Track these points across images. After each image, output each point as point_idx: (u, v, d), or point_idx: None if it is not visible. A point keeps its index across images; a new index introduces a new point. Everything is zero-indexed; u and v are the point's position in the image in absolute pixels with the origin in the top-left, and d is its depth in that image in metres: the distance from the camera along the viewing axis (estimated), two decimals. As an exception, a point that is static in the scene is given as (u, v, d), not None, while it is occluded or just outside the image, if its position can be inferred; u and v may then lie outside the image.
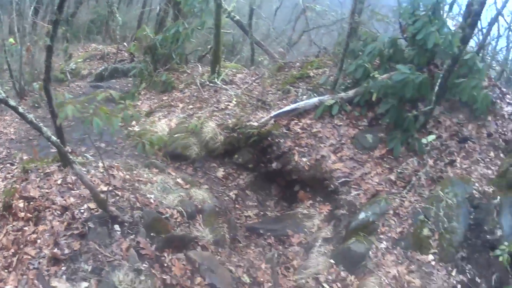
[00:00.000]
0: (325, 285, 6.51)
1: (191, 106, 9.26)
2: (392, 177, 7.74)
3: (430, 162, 7.82)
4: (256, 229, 7.43)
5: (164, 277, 5.58)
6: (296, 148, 8.00)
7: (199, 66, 11.45)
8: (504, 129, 8.56)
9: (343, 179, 7.68)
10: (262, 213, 7.84)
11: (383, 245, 6.88)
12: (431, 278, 6.56)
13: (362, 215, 7.14)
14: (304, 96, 8.79)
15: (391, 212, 7.19)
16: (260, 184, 8.17)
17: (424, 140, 7.90)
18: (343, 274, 6.65)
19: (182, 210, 6.60)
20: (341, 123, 8.35)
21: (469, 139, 8.22)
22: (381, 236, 6.97)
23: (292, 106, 8.47)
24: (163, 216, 6.28)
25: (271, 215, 7.82)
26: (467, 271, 6.71)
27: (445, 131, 8.25)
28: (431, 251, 6.81)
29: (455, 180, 7.35)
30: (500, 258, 6.17)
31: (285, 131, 8.16)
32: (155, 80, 10.65)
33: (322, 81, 9.14)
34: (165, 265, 5.78)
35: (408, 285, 6.47)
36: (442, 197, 7.08)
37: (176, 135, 8.43)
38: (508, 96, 9.21)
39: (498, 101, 8.89)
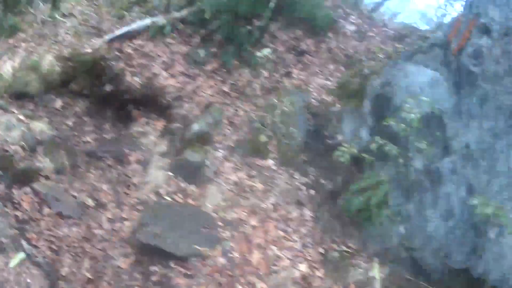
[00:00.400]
0: (166, 197, 6.57)
1: (33, 44, 8.91)
2: (226, 88, 7.81)
3: (265, 73, 7.95)
4: (95, 153, 7.28)
5: (17, 213, 5.64)
6: (128, 69, 7.87)
7: (41, 3, 11.08)
8: (346, 45, 8.77)
9: (176, 94, 7.65)
10: (100, 137, 7.65)
11: (220, 153, 6.99)
12: (273, 182, 6.80)
13: (195, 127, 7.17)
14: (138, 20, 8.58)
15: (226, 121, 7.31)
16: (96, 109, 7.91)
17: (259, 54, 7.98)
18: (182, 185, 6.72)
19: (24, 144, 6.48)
20: (173, 42, 8.28)
21: (307, 52, 8.40)
22: (217, 145, 7.07)
23: (125, 29, 8.28)
24: (8, 154, 6.18)
25: (108, 137, 7.66)
26: (310, 173, 6.98)
27: (282, 45, 8.39)
28: (271, 156, 7.01)
29: (291, 90, 7.56)
30: (342, 159, 6.32)
31: (117, 54, 8.01)
32: (3, 27, 10.21)
33: (156, 3, 8.95)
34: (15, 201, 5.80)
35: (251, 189, 6.67)
36: (277, 105, 7.24)
37: (18, 75, 8.11)
38: (352, 16, 9.49)
39: (341, 20, 9.13)
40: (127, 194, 6.73)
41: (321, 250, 6.35)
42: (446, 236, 6.27)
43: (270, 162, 6.96)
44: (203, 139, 7.06)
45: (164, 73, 7.83)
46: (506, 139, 6.09)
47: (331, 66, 8.34)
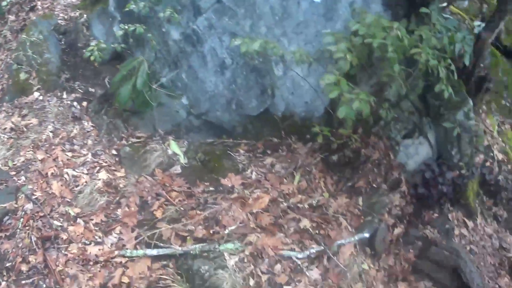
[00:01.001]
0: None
1: None
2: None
3: (12, 17, 8.11)
4: None
5: None
6: None
7: None
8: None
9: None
10: None
11: (-10, 111, 7.10)
12: (45, 111, 6.91)
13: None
14: None
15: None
16: None
17: (4, 3, 8.15)
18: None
19: None
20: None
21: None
22: (-16, 104, 7.18)
23: None
24: None
25: None
26: (77, 87, 7.16)
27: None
28: (35, 88, 7.12)
29: (38, 21, 7.61)
30: (92, 58, 6.31)
31: None
32: None
33: None
34: None
35: (28, 128, 6.71)
36: (27, 40, 7.31)
37: None
38: None
39: None
40: None
41: (113, 152, 6.48)
42: (229, 88, 6.35)
43: (36, 95, 7.06)
44: (-32, 105, 7.16)
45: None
46: (258, -19, 6.07)
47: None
